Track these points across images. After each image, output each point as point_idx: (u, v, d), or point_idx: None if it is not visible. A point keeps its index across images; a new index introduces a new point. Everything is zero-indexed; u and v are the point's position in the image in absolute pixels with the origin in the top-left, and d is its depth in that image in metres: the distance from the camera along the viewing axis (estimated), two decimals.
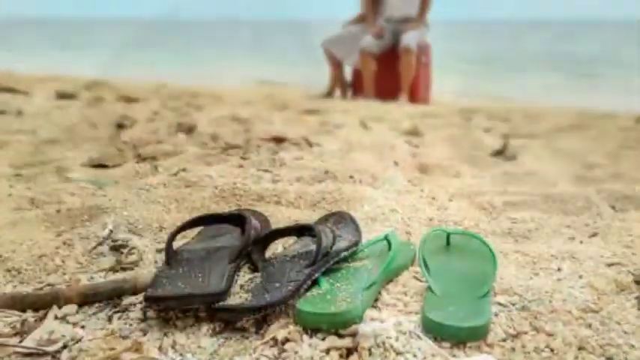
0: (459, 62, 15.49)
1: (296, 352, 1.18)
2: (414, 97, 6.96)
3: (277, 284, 1.35)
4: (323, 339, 1.22)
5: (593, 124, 4.92)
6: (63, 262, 1.54)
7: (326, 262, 1.44)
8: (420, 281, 1.49)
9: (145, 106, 5.00)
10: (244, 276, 1.48)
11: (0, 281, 1.45)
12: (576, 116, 5.51)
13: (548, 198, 2.32)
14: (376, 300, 1.38)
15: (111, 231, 1.72)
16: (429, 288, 1.38)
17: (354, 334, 1.22)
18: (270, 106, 5.64)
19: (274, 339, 1.22)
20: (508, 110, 6.07)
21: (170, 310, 1.31)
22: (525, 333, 1.26)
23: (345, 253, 1.52)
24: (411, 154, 3.21)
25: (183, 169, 2.40)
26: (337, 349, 1.19)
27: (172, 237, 1.49)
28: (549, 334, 1.25)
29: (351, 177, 2.43)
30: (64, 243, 1.62)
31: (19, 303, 1.34)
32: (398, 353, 1.16)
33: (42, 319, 1.30)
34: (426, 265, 1.48)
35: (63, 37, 34.82)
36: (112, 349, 1.18)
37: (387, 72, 6.97)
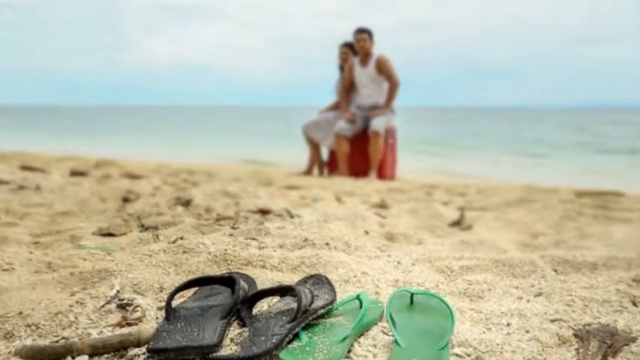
0: (421, 144, 15.67)
1: None
2: (382, 174, 7.02)
3: (263, 338, 1.35)
4: None
5: (538, 198, 4.96)
6: (76, 318, 1.53)
7: (305, 319, 1.45)
8: (388, 335, 1.49)
9: (147, 183, 5.01)
10: (234, 330, 1.48)
11: (21, 335, 1.44)
12: (523, 191, 5.56)
13: (499, 263, 2.31)
14: (349, 351, 1.38)
15: (118, 291, 1.72)
16: (396, 341, 1.38)
17: None
18: (256, 182, 5.67)
19: None
20: (464, 186, 6.12)
21: None
22: None
23: (322, 311, 1.53)
24: (380, 224, 3.21)
25: (181, 238, 2.39)
26: None
27: (171, 296, 1.49)
28: None
29: (327, 244, 2.42)
30: (77, 302, 1.61)
31: (38, 354, 1.33)
32: None
33: None
34: (392, 321, 1.48)
35: (76, 122, 34.89)
36: None
37: (358, 152, 7.04)
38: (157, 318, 1.58)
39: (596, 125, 34.74)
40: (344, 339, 1.38)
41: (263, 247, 2.34)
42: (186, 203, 3.60)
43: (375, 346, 1.44)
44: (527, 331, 1.54)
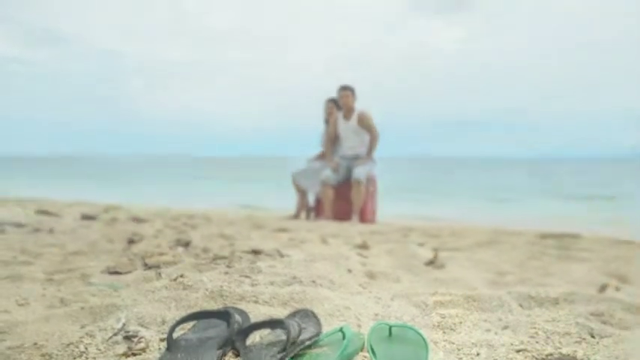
0: (399, 191, 15.72)
1: None
2: (364, 218, 7.04)
3: None
4: None
5: (506, 240, 4.96)
6: (86, 348, 1.53)
7: (294, 349, 1.46)
8: None
9: (150, 226, 5.00)
10: None
11: None
12: (492, 233, 5.56)
13: (470, 298, 2.31)
14: None
15: (124, 324, 1.72)
16: None
17: None
18: (249, 225, 5.65)
19: None
20: (438, 229, 6.13)
21: None
22: None
23: (309, 342, 1.53)
24: (361, 263, 3.21)
25: (181, 275, 2.39)
26: None
27: (172, 329, 1.50)
28: None
29: (314, 281, 2.43)
30: (87, 333, 1.61)
31: None
32: None
33: None
34: (372, 351, 1.49)
35: (87, 170, 34.77)
36: None
37: (342, 199, 7.08)
38: (159, 348, 1.58)
39: (559, 174, 35.05)
40: None
41: (255, 284, 2.34)
42: (186, 244, 3.60)
43: None
44: None
